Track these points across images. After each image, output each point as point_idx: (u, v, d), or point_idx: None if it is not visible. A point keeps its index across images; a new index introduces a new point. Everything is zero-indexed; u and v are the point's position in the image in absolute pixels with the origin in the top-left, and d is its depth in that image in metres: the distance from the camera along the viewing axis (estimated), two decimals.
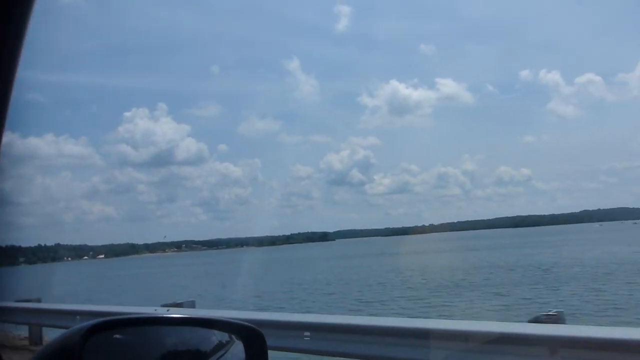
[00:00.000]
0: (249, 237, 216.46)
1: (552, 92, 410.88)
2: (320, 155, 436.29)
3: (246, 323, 1.55)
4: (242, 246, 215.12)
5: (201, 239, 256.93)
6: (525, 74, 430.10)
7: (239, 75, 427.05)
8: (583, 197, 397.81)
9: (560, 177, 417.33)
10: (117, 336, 1.38)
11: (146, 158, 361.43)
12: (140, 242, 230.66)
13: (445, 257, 54.34)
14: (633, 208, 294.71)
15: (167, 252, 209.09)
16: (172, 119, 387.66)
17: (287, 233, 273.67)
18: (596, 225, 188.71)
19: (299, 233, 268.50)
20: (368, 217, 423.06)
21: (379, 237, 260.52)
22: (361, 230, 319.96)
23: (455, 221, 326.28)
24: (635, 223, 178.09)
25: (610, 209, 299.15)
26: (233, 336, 1.59)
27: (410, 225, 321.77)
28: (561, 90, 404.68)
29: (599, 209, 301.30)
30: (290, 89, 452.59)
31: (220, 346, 1.58)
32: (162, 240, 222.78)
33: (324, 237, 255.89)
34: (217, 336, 1.59)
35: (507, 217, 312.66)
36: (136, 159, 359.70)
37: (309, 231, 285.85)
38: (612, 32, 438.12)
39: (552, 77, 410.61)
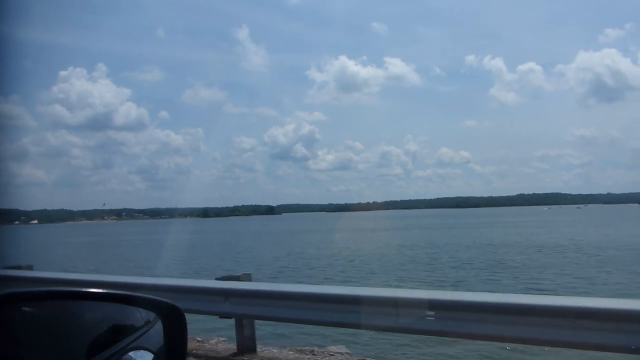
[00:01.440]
0: (192, 208, 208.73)
1: (495, 79, 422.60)
2: (265, 128, 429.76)
3: (166, 300, 1.42)
4: (185, 216, 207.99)
5: (138, 207, 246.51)
6: (471, 59, 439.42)
7: (185, 41, 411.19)
8: (517, 182, 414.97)
9: (497, 162, 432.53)
10: (27, 309, 1.24)
11: (82, 121, 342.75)
12: (75, 208, 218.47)
13: (437, 235, 52.26)
14: (564, 194, 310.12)
15: (106, 219, 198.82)
16: (111, 81, 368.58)
17: (229, 205, 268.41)
18: (545, 208, 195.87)
19: (243, 205, 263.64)
20: (309, 192, 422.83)
21: (325, 213, 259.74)
22: (305, 205, 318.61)
23: (398, 200, 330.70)
24: (579, 207, 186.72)
25: (544, 193, 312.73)
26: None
27: (352, 202, 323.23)
28: (503, 77, 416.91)
29: (534, 193, 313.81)
30: (238, 59, 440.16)
31: (146, 324, 1.47)
32: (100, 207, 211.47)
33: (270, 210, 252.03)
34: (142, 313, 1.47)
35: (447, 198, 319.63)
36: (71, 121, 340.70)
37: (254, 204, 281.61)
38: (554, 25, 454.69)
39: (496, 63, 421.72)
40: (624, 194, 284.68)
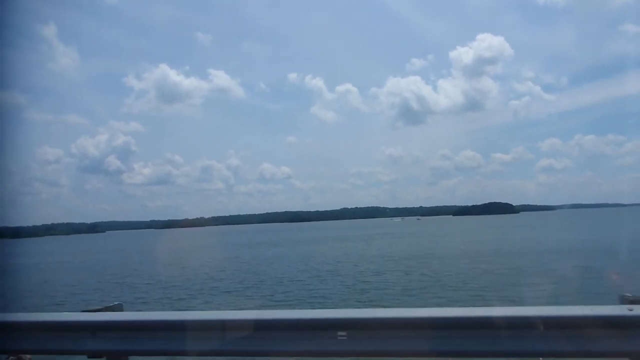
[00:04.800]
0: (5, 227, 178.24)
1: (316, 97, 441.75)
2: (73, 137, 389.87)
3: None
4: None
5: None
6: (293, 77, 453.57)
7: None
8: (333, 197, 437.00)
9: (316, 177, 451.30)
10: None
11: None
12: None
13: (351, 246, 50.27)
14: (383, 207, 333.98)
15: None
16: None
17: (36, 223, 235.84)
18: (397, 219, 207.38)
19: (59, 223, 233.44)
20: (123, 208, 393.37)
21: (152, 230, 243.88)
22: (125, 222, 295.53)
23: (227, 215, 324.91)
24: (418, 219, 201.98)
25: (366, 207, 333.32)
26: None
27: (174, 218, 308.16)
28: (324, 96, 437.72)
29: (357, 207, 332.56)
30: (44, 59, 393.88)
31: None
32: None
33: (92, 228, 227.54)
34: None
35: (278, 213, 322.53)
36: None
37: (65, 222, 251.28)
38: (368, 51, 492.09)
39: (317, 83, 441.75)
40: (434, 206, 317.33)
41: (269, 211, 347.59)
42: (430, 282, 22.09)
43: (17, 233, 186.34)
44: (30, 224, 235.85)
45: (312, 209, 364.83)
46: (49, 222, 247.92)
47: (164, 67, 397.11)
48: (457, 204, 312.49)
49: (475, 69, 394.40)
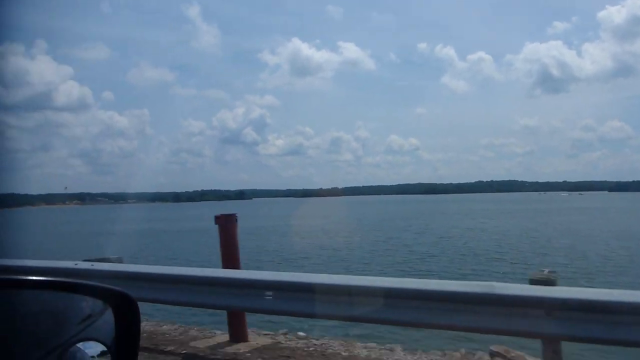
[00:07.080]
0: (167, 192, 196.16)
1: (447, 67, 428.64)
2: (214, 111, 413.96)
3: (116, 288, 1.28)
4: (153, 201, 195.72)
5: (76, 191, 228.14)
6: (423, 47, 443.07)
7: (132, 18, 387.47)
8: (462, 169, 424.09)
9: (444, 149, 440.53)
10: None
11: (18, 100, 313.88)
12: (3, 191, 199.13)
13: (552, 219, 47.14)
14: (521, 181, 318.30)
15: (68, 204, 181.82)
16: (51, 58, 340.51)
17: (186, 190, 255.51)
18: (564, 194, 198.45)
19: (210, 190, 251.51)
20: (260, 177, 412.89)
21: (293, 198, 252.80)
22: (265, 190, 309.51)
23: (359, 185, 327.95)
24: (581, 194, 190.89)
25: (502, 181, 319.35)
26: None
27: (307, 187, 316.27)
28: (455, 65, 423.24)
29: (492, 181, 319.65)
30: (188, 38, 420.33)
31: (94, 313, 1.31)
32: (62, 191, 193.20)
33: (240, 195, 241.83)
34: (89, 302, 1.31)
35: (412, 184, 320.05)
36: (6, 99, 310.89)
37: (209, 189, 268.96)
38: (502, 16, 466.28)
39: (447, 52, 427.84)
40: (581, 181, 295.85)
41: (400, 182, 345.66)
42: None
43: (178, 198, 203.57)
44: (184, 190, 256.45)
45: (441, 181, 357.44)
46: (199, 189, 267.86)
47: (296, 42, 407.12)
48: (605, 179, 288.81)
49: (629, 30, 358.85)
